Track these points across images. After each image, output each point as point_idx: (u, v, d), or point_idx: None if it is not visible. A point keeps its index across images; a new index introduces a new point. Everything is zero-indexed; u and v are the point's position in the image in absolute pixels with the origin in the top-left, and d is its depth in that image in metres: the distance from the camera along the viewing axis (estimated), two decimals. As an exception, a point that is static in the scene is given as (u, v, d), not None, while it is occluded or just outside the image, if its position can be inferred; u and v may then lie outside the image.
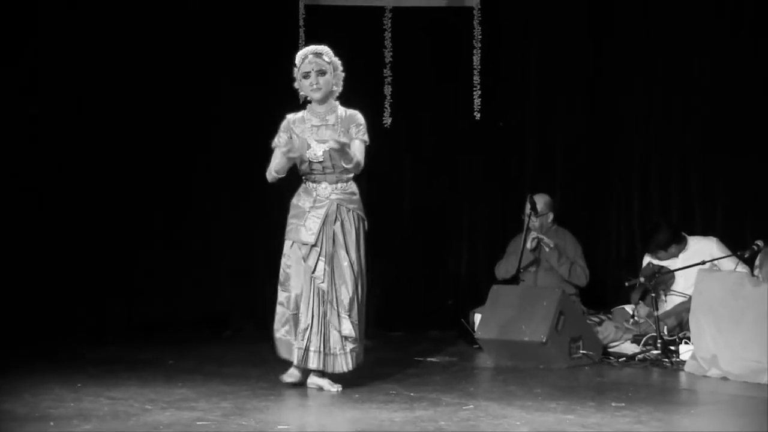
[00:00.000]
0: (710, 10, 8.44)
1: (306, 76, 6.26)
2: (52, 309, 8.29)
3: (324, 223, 6.17)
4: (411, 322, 8.91)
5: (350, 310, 6.13)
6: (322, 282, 6.13)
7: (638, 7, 8.75)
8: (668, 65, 8.63)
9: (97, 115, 8.65)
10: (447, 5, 9.03)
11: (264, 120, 8.92)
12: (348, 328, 6.12)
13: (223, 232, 9.04)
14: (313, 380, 6.18)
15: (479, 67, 8.98)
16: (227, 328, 8.90)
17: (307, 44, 8.76)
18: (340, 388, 6.11)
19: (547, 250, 8.16)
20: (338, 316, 6.12)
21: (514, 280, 8.12)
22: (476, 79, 8.97)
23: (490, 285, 7.69)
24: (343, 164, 6.18)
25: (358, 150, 6.20)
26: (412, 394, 6.02)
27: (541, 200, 8.26)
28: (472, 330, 7.80)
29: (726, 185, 8.39)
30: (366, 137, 6.26)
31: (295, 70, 6.34)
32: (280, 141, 6.29)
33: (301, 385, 6.22)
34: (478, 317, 7.75)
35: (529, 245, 8.12)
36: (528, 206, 8.05)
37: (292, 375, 6.25)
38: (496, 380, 6.73)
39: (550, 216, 8.34)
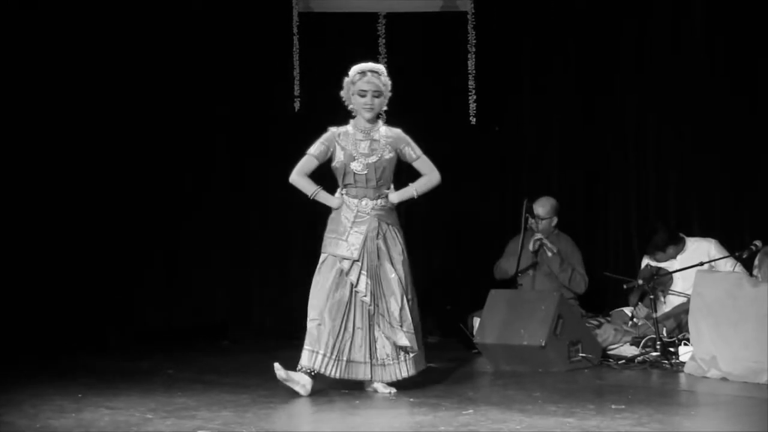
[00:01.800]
0: (704, 9, 8.45)
1: (363, 94, 6.36)
2: (51, 320, 8.29)
3: (366, 238, 6.27)
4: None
5: (402, 320, 6.23)
6: (365, 296, 6.22)
7: (633, 8, 8.76)
8: (664, 67, 8.63)
9: (97, 124, 8.65)
10: (441, 10, 9.05)
11: (258, 128, 9.01)
12: (403, 338, 6.22)
13: (221, 242, 9.04)
14: (372, 385, 6.29)
15: (474, 71, 8.99)
16: (226, 337, 8.90)
17: (301, 51, 8.90)
18: (394, 391, 6.21)
19: (549, 254, 8.16)
20: (392, 327, 6.22)
21: (512, 282, 8.12)
22: (471, 83, 8.99)
23: (489, 289, 7.69)
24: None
25: (427, 166, 6.49)
26: (411, 399, 6.02)
27: (546, 204, 8.26)
28: (471, 335, 7.81)
29: (723, 186, 8.39)
30: (420, 150, 6.48)
31: (347, 81, 6.39)
32: (315, 151, 6.38)
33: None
34: (476, 322, 7.75)
35: (531, 247, 8.13)
36: (524, 209, 8.04)
37: (304, 385, 6.18)
38: (496, 385, 6.73)
39: (554, 220, 8.32)
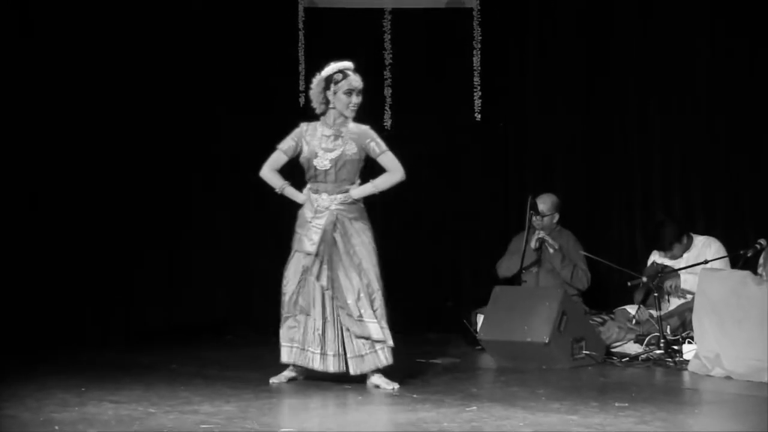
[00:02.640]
0: (707, 7, 8.44)
1: (349, 93, 6.40)
2: (54, 314, 8.29)
3: (325, 233, 6.34)
4: (413, 324, 8.91)
5: (361, 311, 6.29)
6: (328, 289, 6.31)
7: (637, 6, 8.75)
8: (668, 63, 8.62)
9: (100, 119, 8.64)
10: (446, 6, 9.05)
11: (264, 124, 8.99)
12: (364, 330, 6.29)
13: (223, 238, 9.04)
14: (371, 380, 6.33)
15: (479, 68, 8.99)
16: (228, 332, 8.90)
17: (306, 47, 8.90)
18: (397, 386, 6.26)
19: (551, 251, 8.15)
20: (351, 319, 6.29)
21: (516, 280, 8.12)
22: (476, 80, 8.99)
23: (492, 286, 7.69)
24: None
25: (391, 162, 6.45)
26: (414, 395, 6.01)
27: (547, 200, 8.26)
28: (475, 331, 7.80)
29: (728, 184, 8.38)
30: (385, 146, 6.46)
31: (322, 79, 6.43)
32: (283, 146, 6.53)
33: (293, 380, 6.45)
34: (480, 318, 7.74)
35: (533, 244, 8.12)
36: (529, 206, 8.04)
37: (282, 376, 6.46)
38: (499, 381, 6.73)
39: (556, 216, 8.32)
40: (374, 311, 6.32)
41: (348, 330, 6.31)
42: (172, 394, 6.01)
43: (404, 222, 9.13)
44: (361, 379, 6.38)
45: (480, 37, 8.99)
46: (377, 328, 6.30)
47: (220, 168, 9.04)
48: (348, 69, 6.44)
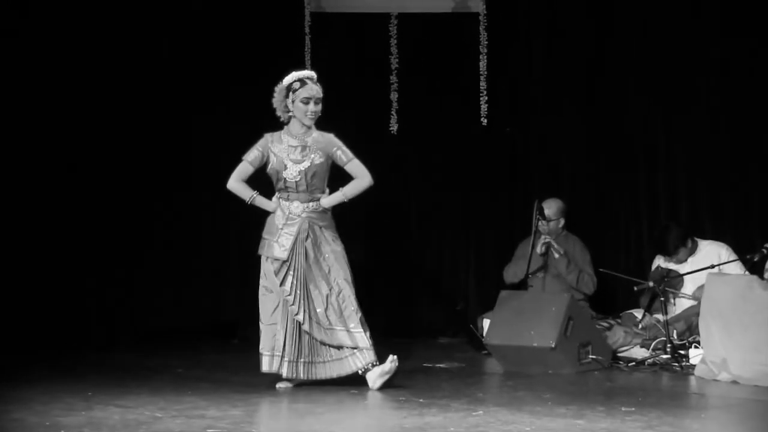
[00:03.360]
0: (715, 8, 8.44)
1: (306, 101, 6.52)
2: (60, 319, 8.30)
3: (296, 240, 6.48)
4: (419, 329, 8.92)
5: (329, 319, 6.40)
6: (289, 295, 6.43)
7: (642, 9, 8.75)
8: (672, 68, 8.62)
9: (102, 120, 8.65)
10: (452, 11, 9.04)
11: (271, 128, 9.00)
12: (333, 338, 6.39)
13: (231, 241, 9.04)
14: (368, 377, 6.37)
15: (485, 72, 8.99)
16: (235, 335, 8.91)
17: (312, 51, 8.90)
18: (394, 359, 6.34)
19: (556, 256, 8.14)
20: (320, 327, 6.40)
21: (523, 285, 8.11)
22: (483, 84, 8.98)
23: (499, 291, 7.68)
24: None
25: (358, 169, 6.57)
26: (421, 400, 6.01)
27: (553, 205, 8.25)
28: (481, 336, 7.80)
29: (734, 188, 8.38)
30: (351, 154, 6.58)
31: (282, 88, 6.56)
32: (249, 156, 6.67)
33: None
34: (486, 323, 7.74)
35: (539, 249, 8.11)
36: (536, 211, 8.03)
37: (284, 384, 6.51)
38: (505, 386, 6.72)
39: (561, 221, 8.31)
40: (346, 318, 6.40)
41: (315, 339, 6.41)
42: (179, 398, 6.02)
43: (409, 227, 9.13)
44: (366, 383, 6.41)
45: (486, 42, 8.98)
46: (346, 335, 6.39)
47: (227, 168, 9.02)
48: (308, 78, 6.56)
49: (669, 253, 7.83)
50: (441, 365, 7.43)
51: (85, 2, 8.55)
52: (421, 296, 9.07)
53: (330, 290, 6.43)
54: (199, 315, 8.90)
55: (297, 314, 6.42)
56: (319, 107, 6.55)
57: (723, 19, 8.41)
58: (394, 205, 8.93)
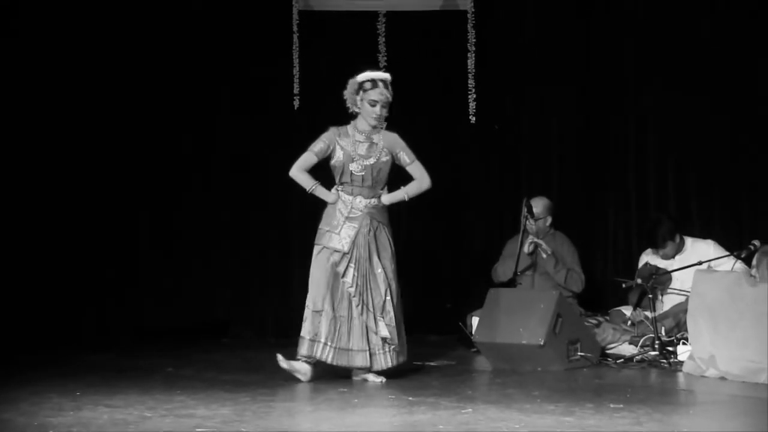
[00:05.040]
0: (705, 3, 8.47)
1: (373, 104, 6.67)
2: (50, 318, 8.29)
3: (358, 233, 6.63)
4: (408, 327, 8.90)
5: (383, 313, 6.58)
6: (351, 287, 6.58)
7: (632, 6, 8.76)
8: (662, 66, 8.63)
9: (97, 121, 8.64)
10: (441, 9, 9.04)
11: (260, 126, 9.01)
12: (384, 330, 6.56)
13: (221, 240, 9.04)
14: (361, 374, 6.62)
15: (473, 70, 9.00)
16: (225, 335, 8.91)
17: (300, 49, 8.90)
18: (384, 380, 6.52)
19: (544, 256, 8.14)
20: (374, 319, 6.57)
21: (511, 284, 8.12)
22: (471, 82, 8.99)
23: (488, 288, 7.69)
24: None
25: (419, 171, 6.83)
26: (410, 398, 6.02)
27: (540, 203, 8.25)
28: (470, 333, 7.80)
29: (722, 185, 8.40)
30: (413, 156, 6.83)
31: (355, 83, 6.67)
32: (315, 148, 6.71)
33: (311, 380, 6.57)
34: (475, 320, 7.74)
35: (526, 249, 8.11)
36: (524, 209, 8.04)
37: (305, 374, 6.57)
38: (495, 383, 6.73)
39: (549, 219, 8.32)
40: (394, 316, 6.60)
41: (369, 329, 6.57)
42: (169, 397, 6.01)
43: (399, 225, 9.11)
44: (357, 382, 6.43)
45: (474, 40, 8.99)
46: (393, 330, 6.59)
47: (218, 168, 9.04)
48: (381, 80, 6.69)
49: (657, 246, 7.83)
50: (430, 363, 7.44)
51: (71, 7, 8.54)
52: (410, 294, 9.05)
53: (386, 284, 6.61)
54: (190, 314, 8.90)
55: (357, 306, 6.56)
56: (386, 111, 6.70)
57: (720, 12, 8.42)
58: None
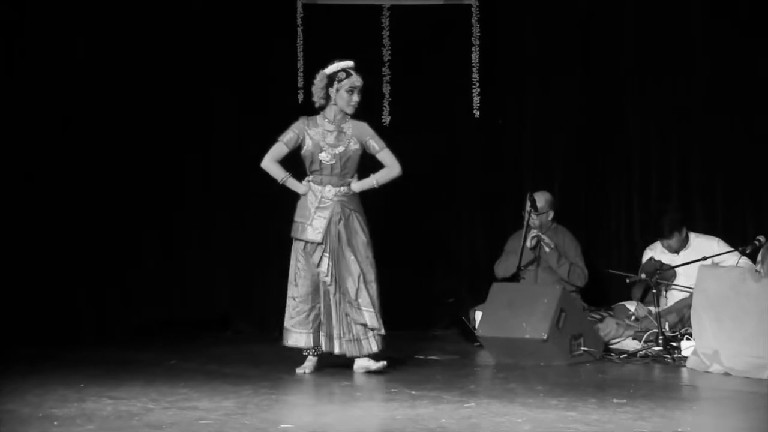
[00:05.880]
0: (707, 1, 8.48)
1: (351, 91, 6.80)
2: (53, 310, 8.29)
3: (329, 223, 6.68)
4: (412, 321, 8.91)
5: (359, 300, 6.66)
6: (327, 276, 6.67)
7: (633, 9, 8.76)
8: (665, 60, 8.62)
9: (97, 116, 8.62)
10: (444, 3, 9.02)
11: (263, 121, 8.99)
12: (362, 317, 6.65)
13: (223, 233, 9.04)
14: (359, 364, 6.71)
15: (478, 64, 8.98)
16: (228, 328, 8.91)
17: (304, 43, 8.89)
18: (385, 363, 6.67)
19: (547, 250, 8.14)
20: (350, 306, 6.65)
21: (515, 279, 8.12)
22: (475, 76, 8.97)
23: (491, 283, 7.69)
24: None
25: (389, 158, 6.89)
26: (413, 392, 6.02)
27: (542, 198, 8.24)
28: (473, 328, 7.81)
29: (726, 180, 8.39)
30: (383, 143, 6.90)
31: (326, 75, 6.81)
32: (284, 138, 6.88)
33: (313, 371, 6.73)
34: (478, 315, 7.74)
35: (528, 243, 8.11)
36: (528, 204, 8.04)
37: (306, 366, 6.72)
38: (497, 378, 6.74)
39: (551, 214, 8.32)
40: (370, 299, 6.67)
41: (347, 315, 6.65)
42: (172, 390, 6.02)
43: (401, 219, 9.12)
44: (359, 375, 6.43)
45: (478, 34, 8.97)
46: (372, 315, 6.67)
47: (219, 163, 9.03)
48: (351, 68, 6.82)
49: (663, 236, 7.82)
50: (433, 357, 7.44)
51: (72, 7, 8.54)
52: (413, 288, 9.06)
53: (361, 271, 6.68)
54: (193, 308, 8.89)
55: (334, 294, 6.66)
56: (360, 97, 6.81)
57: (717, 12, 8.42)
58: (384, 197, 8.91)
